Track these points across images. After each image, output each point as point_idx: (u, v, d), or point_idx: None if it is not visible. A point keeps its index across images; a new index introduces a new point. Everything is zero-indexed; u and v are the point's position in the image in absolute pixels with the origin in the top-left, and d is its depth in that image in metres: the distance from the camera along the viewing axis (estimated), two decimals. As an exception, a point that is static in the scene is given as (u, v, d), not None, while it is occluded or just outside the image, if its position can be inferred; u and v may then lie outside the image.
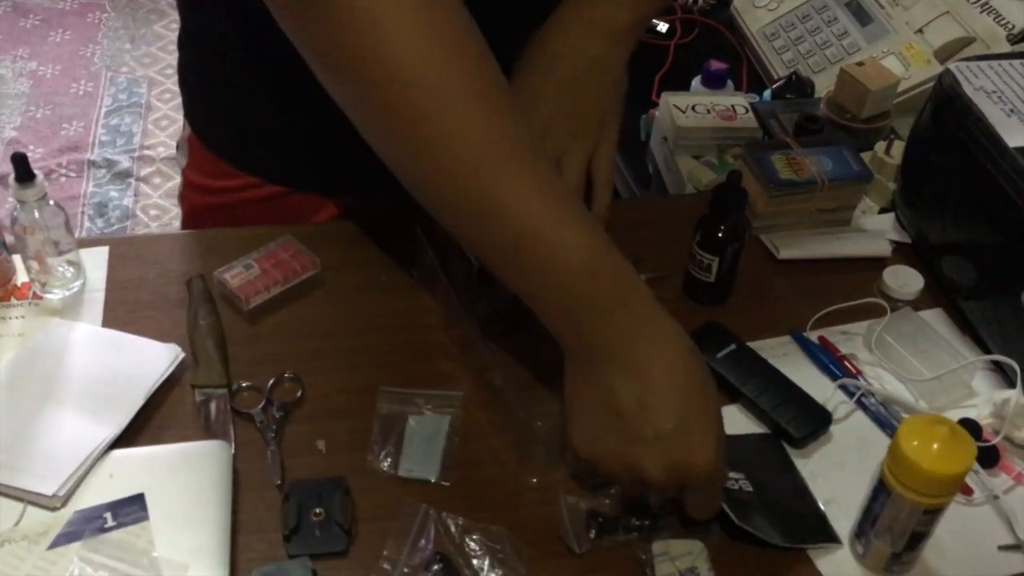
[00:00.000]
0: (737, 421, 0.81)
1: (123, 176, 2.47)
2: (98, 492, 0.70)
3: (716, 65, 1.25)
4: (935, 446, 0.63)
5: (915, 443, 0.64)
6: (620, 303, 0.64)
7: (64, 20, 3.01)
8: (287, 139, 0.79)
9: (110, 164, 2.49)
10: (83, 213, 2.34)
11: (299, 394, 0.80)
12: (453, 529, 0.70)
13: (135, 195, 2.42)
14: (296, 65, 0.63)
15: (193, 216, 1.01)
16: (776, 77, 1.35)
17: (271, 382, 0.80)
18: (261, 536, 0.70)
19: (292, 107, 0.88)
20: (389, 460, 0.75)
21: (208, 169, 0.97)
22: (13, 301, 0.85)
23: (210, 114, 0.95)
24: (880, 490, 0.67)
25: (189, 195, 1.01)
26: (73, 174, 2.45)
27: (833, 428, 0.80)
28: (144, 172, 2.49)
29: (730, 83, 1.27)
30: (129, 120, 2.65)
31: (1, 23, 2.97)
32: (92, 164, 2.49)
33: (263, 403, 0.78)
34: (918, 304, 0.91)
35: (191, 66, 0.95)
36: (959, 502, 0.75)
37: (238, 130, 0.93)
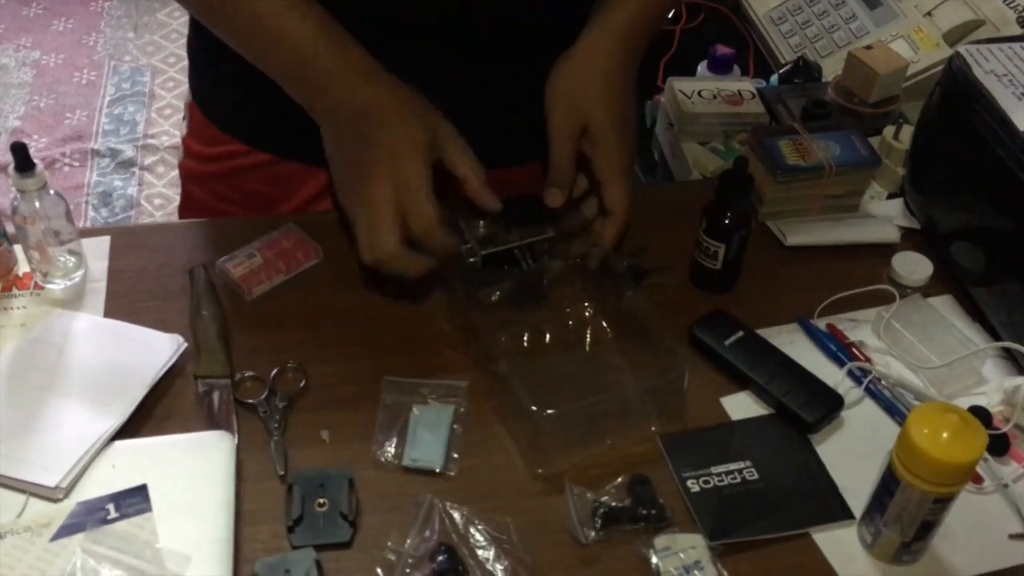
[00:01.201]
0: (747, 407, 0.80)
1: (127, 165, 2.46)
2: (101, 483, 0.70)
3: (722, 50, 1.24)
4: (945, 435, 0.63)
5: (925, 431, 0.63)
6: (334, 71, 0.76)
7: (67, 9, 3.00)
8: (278, 107, 0.79)
9: (114, 153, 2.48)
10: (87, 202, 2.33)
11: (302, 384, 0.79)
12: (458, 519, 0.70)
13: (139, 184, 2.41)
14: None
15: (189, 183, 1.01)
16: (783, 62, 1.33)
17: (274, 372, 0.79)
18: (265, 527, 0.70)
19: None
20: (393, 450, 0.75)
21: (204, 136, 0.97)
22: (15, 291, 0.85)
23: (207, 78, 0.96)
24: (889, 479, 0.66)
25: (187, 163, 1.01)
26: (77, 163, 2.44)
27: (842, 415, 0.80)
28: (148, 161, 2.48)
29: (736, 68, 1.26)
30: (132, 109, 2.64)
31: (4, 12, 2.96)
32: (96, 153, 2.48)
33: (266, 393, 0.78)
34: (927, 291, 0.90)
35: (194, 30, 0.95)
36: (969, 491, 0.74)
37: (234, 96, 0.93)
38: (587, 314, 0.86)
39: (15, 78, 2.71)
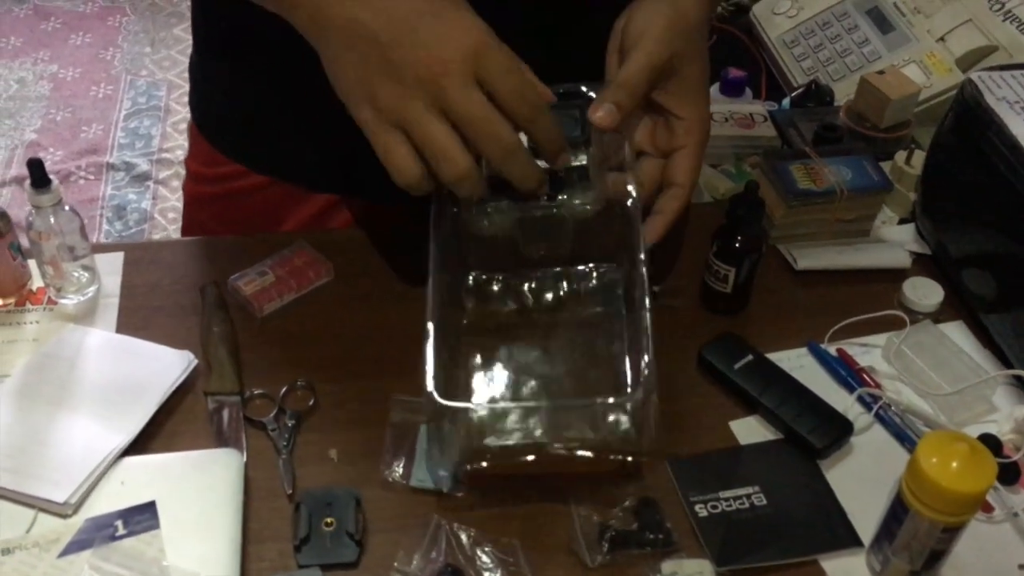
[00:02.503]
0: (756, 431, 0.80)
1: (141, 179, 2.48)
2: (109, 499, 0.70)
3: (735, 73, 1.24)
4: (954, 464, 0.62)
5: (934, 460, 0.63)
6: None
7: (85, 23, 3.03)
8: (277, 130, 0.79)
9: (128, 167, 2.50)
10: (101, 216, 2.35)
11: (311, 402, 0.79)
12: (465, 541, 0.70)
13: (153, 198, 2.43)
14: (289, 56, 0.65)
15: (191, 205, 1.02)
16: (795, 85, 1.34)
17: (284, 390, 0.80)
18: (272, 545, 0.70)
19: (281, 98, 0.88)
20: (401, 470, 0.75)
21: (204, 158, 0.97)
22: (28, 306, 0.85)
23: (207, 100, 0.96)
24: (898, 507, 0.66)
25: (188, 185, 1.02)
26: (92, 177, 2.46)
27: (852, 441, 0.79)
28: (162, 175, 2.50)
29: (748, 91, 1.26)
30: (148, 123, 2.66)
31: (23, 26, 2.99)
32: (111, 167, 2.50)
33: (275, 411, 0.78)
34: (938, 316, 0.90)
35: (196, 51, 0.95)
36: (979, 520, 0.74)
37: (232, 118, 0.93)
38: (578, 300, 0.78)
39: (33, 91, 2.74)
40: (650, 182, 0.75)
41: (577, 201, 0.73)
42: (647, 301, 0.70)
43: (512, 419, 0.71)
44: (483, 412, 0.72)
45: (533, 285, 0.79)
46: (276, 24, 0.68)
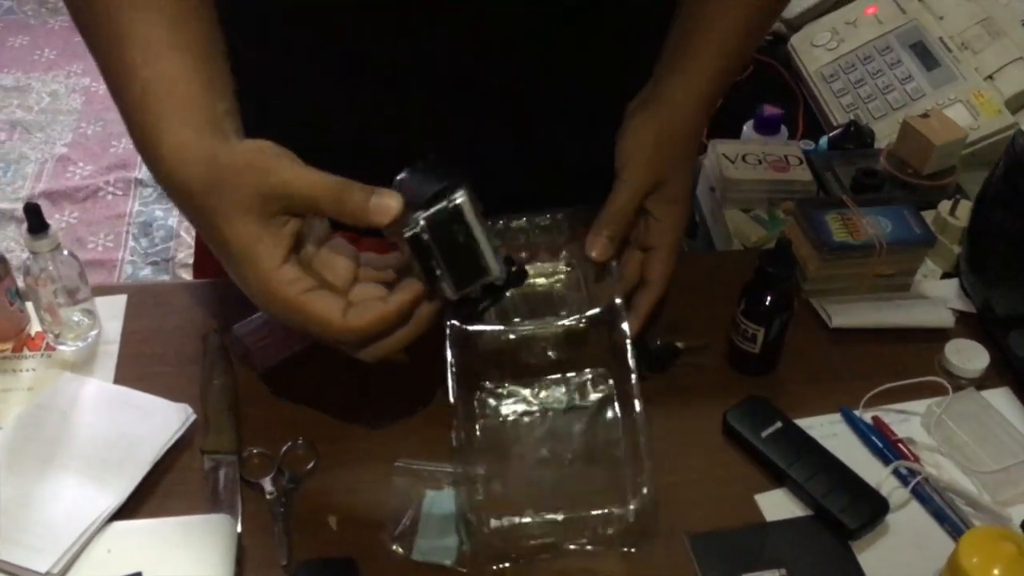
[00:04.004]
0: (783, 507, 0.75)
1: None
2: (94, 568, 0.67)
3: (770, 110, 1.19)
4: (998, 569, 0.57)
5: (976, 560, 0.58)
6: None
7: (119, 36, 3.04)
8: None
9: (156, 183, 2.49)
10: (128, 232, 2.33)
11: (311, 464, 0.75)
12: (468, 623, 0.65)
13: (179, 215, 2.41)
14: (306, 99, 0.65)
15: (202, 245, 0.99)
16: (835, 123, 1.28)
17: (283, 449, 0.76)
18: (263, 622, 0.66)
19: (295, 143, 0.85)
20: (403, 541, 0.70)
21: None
22: (26, 352, 0.82)
23: None
24: (936, 607, 0.61)
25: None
26: (120, 192, 2.45)
27: (887, 519, 0.74)
28: (190, 191, 2.49)
29: (784, 129, 1.21)
30: (178, 138, 2.65)
31: (57, 38, 3.01)
32: (139, 183, 2.49)
33: (274, 472, 0.74)
34: (983, 383, 0.84)
35: None
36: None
37: None
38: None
39: (64, 104, 2.74)
40: (630, 276, 0.78)
41: (565, 316, 0.77)
42: (637, 404, 0.72)
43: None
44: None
45: (536, 391, 0.79)
46: (293, 65, 0.64)
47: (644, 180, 0.75)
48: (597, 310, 0.77)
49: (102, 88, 2.81)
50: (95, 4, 0.63)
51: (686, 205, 0.78)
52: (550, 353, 0.78)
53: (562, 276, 0.79)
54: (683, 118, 0.76)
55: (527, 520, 0.69)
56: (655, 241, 0.77)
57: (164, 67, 0.62)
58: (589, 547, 0.70)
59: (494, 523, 0.69)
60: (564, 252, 0.79)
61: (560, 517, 0.70)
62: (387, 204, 0.60)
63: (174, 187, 0.63)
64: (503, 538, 0.69)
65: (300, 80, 0.80)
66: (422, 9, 0.72)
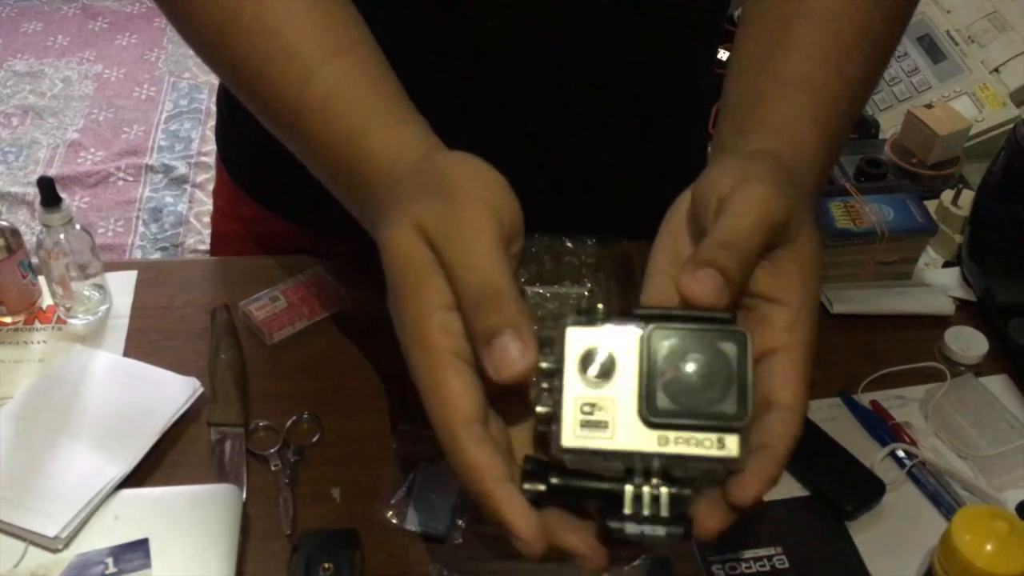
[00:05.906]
0: (781, 487, 0.76)
1: (179, 182, 2.48)
2: (102, 534, 0.68)
3: (776, 100, 1.19)
4: (990, 545, 0.58)
5: (968, 538, 0.59)
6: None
7: (131, 24, 3.06)
8: (305, 177, 0.76)
9: (167, 169, 2.51)
10: (138, 217, 2.35)
11: (316, 437, 0.76)
12: (465, 593, 0.66)
13: (189, 201, 2.43)
14: None
15: (218, 237, 1.00)
16: (840, 113, 1.28)
17: (289, 422, 0.77)
18: (266, 589, 0.67)
19: None
20: (401, 512, 0.72)
21: (229, 195, 0.95)
22: (37, 324, 0.84)
23: (232, 135, 0.94)
24: (929, 583, 0.62)
25: (215, 217, 1.00)
26: (130, 178, 2.47)
27: (882, 501, 0.75)
28: (200, 179, 2.50)
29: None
30: (188, 126, 2.67)
31: (71, 25, 3.03)
32: (149, 169, 2.51)
33: (279, 445, 0.75)
34: (981, 369, 0.85)
35: (222, 88, 0.93)
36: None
37: (256, 158, 0.91)
38: None
39: (77, 91, 2.76)
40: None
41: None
42: None
43: None
44: None
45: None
46: None
47: (775, 206, 0.46)
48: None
49: (114, 75, 2.84)
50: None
51: (819, 290, 0.49)
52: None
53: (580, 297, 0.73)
54: (798, 164, 0.52)
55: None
56: (780, 339, 0.46)
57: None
58: None
59: None
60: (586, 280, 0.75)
61: None
62: (512, 358, 0.44)
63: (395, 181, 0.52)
64: None
65: None
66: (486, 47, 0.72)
